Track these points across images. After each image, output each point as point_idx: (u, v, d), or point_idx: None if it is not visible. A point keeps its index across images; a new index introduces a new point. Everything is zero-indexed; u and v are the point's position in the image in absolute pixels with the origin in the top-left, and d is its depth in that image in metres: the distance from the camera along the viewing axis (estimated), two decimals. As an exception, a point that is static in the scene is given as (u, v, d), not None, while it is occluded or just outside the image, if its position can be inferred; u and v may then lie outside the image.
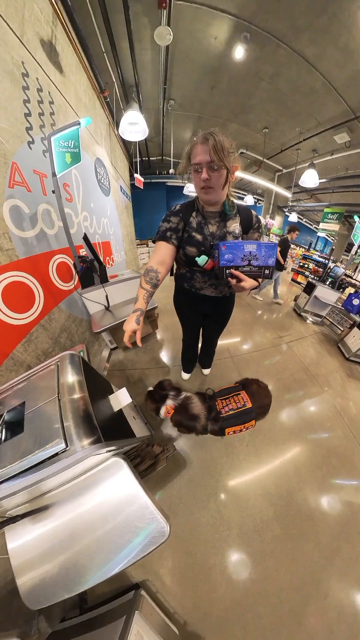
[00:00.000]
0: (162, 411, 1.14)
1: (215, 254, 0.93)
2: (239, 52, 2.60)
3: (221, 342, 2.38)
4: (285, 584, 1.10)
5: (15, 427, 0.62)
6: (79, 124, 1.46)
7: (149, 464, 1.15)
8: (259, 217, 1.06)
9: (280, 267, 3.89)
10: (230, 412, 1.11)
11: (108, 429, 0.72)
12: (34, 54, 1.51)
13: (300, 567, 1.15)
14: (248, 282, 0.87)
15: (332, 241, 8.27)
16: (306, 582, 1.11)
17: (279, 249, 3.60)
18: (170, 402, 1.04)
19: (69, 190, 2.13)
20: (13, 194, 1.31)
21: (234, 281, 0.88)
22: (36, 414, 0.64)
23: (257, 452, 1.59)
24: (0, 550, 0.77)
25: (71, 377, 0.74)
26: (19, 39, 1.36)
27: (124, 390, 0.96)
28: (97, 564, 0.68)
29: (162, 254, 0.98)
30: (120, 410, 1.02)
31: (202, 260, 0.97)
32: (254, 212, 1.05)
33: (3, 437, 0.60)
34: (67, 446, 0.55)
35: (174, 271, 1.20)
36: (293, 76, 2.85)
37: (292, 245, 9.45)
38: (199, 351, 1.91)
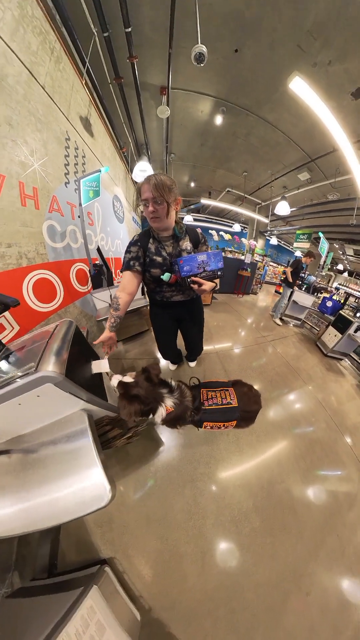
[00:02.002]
0: (161, 412, 0.80)
1: (175, 268, 0.92)
2: (219, 120, 2.90)
3: (212, 346, 2.32)
4: (263, 580, 0.90)
5: (17, 359, 0.68)
6: (100, 171, 1.74)
7: (118, 433, 0.97)
8: (202, 233, 1.06)
9: (289, 284, 3.45)
10: (213, 407, 0.89)
11: (81, 380, 0.69)
12: (75, 125, 1.87)
13: (281, 562, 0.95)
14: (207, 285, 0.88)
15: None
16: (286, 577, 0.92)
17: (290, 269, 3.38)
18: (169, 402, 0.80)
19: (91, 216, 2.40)
20: (51, 217, 1.57)
21: (195, 286, 0.88)
22: (27, 352, 0.68)
23: (238, 442, 1.35)
24: None
25: (62, 334, 0.75)
26: (65, 117, 1.71)
27: (105, 360, 0.92)
28: (39, 509, 0.62)
29: (124, 282, 0.97)
30: (102, 380, 0.95)
31: (166, 276, 0.96)
32: (198, 230, 1.05)
33: (9, 365, 0.66)
34: (35, 369, 0.56)
35: (146, 289, 1.15)
36: (261, 134, 3.12)
37: (276, 265, 9.52)
38: (184, 351, 1.78)
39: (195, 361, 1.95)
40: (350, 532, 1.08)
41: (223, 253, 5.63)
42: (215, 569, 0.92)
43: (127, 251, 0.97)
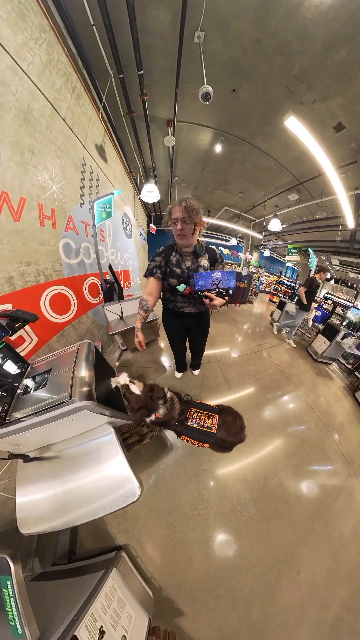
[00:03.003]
0: (152, 416, 0.89)
1: (191, 282, 0.93)
2: (218, 148, 3.00)
3: (209, 350, 2.22)
4: (259, 561, 0.95)
5: (41, 383, 0.67)
6: (112, 194, 1.77)
7: (137, 438, 1.04)
8: (222, 253, 1.08)
9: (304, 307, 2.87)
10: (194, 426, 0.90)
11: (104, 399, 0.70)
12: (90, 152, 1.92)
13: (274, 546, 1.00)
14: (217, 301, 0.89)
15: (297, 269, 8.52)
16: (279, 559, 0.96)
17: (304, 289, 2.77)
18: (161, 411, 0.87)
19: (103, 234, 2.42)
20: (67, 235, 1.57)
21: (207, 301, 0.89)
22: (56, 377, 0.68)
23: None
24: (10, 492, 0.77)
25: (84, 356, 0.75)
26: (83, 145, 1.76)
27: (124, 374, 0.93)
28: (78, 507, 0.65)
29: (150, 287, 1.02)
30: (119, 393, 0.96)
31: (182, 287, 0.98)
32: (217, 250, 1.06)
33: (32, 389, 0.66)
34: (70, 397, 0.58)
35: (162, 296, 1.16)
36: (255, 160, 3.22)
37: (270, 275, 9.49)
38: (189, 356, 1.78)
39: (199, 370, 1.94)
40: (336, 519, 1.13)
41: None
42: (217, 552, 0.97)
43: (152, 260, 1.02)
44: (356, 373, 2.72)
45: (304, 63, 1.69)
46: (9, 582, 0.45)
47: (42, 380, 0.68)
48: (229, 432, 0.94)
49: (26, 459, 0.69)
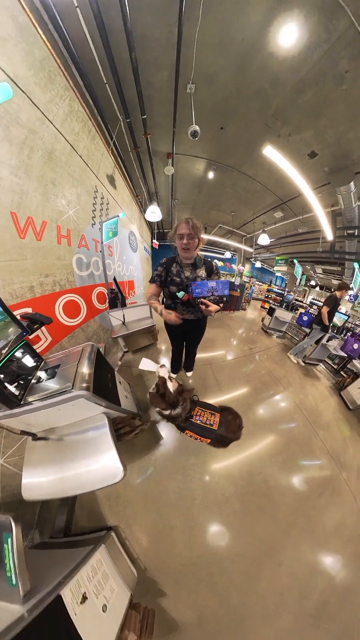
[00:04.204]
0: (169, 412, 0.89)
1: (189, 290, 0.95)
2: (211, 175, 3.18)
3: (203, 354, 2.20)
4: (240, 551, 0.90)
5: (51, 375, 0.72)
6: (118, 216, 1.88)
7: (128, 430, 1.05)
8: (218, 265, 1.11)
9: (325, 327, 2.39)
10: (198, 422, 0.91)
11: (102, 392, 0.75)
12: (102, 181, 2.04)
13: (257, 538, 0.94)
14: (212, 307, 0.91)
15: (285, 278, 8.56)
16: (261, 551, 0.91)
17: (327, 308, 2.31)
18: (178, 410, 0.86)
19: (111, 249, 2.50)
20: (79, 251, 1.65)
21: (203, 307, 0.91)
22: (64, 371, 0.73)
23: None
24: (18, 468, 0.79)
25: (87, 355, 0.79)
26: (95, 176, 1.88)
27: (165, 368, 0.91)
28: (72, 481, 0.68)
29: (152, 290, 1.08)
30: (116, 388, 1.00)
31: (181, 294, 1.00)
32: (214, 263, 1.09)
33: (44, 380, 0.71)
34: (72, 387, 0.64)
35: (164, 303, 1.18)
36: (243, 184, 3.36)
37: (261, 283, 9.47)
38: (183, 358, 1.76)
39: (192, 372, 1.90)
40: (319, 514, 1.07)
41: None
42: (199, 539, 0.93)
43: (155, 269, 1.07)
44: (342, 372, 2.64)
45: (278, 104, 1.82)
46: (9, 539, 0.47)
47: (52, 373, 0.73)
48: (228, 429, 0.96)
49: (34, 437, 0.74)
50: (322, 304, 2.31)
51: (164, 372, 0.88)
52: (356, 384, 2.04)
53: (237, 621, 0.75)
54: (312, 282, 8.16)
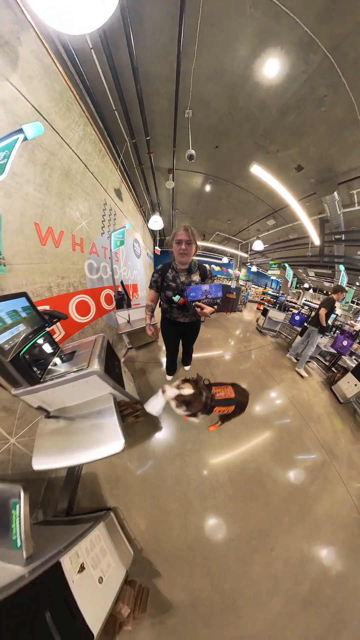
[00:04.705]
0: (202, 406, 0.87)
1: (184, 294, 0.95)
2: (208, 188, 3.28)
3: (200, 353, 2.22)
4: (234, 536, 0.88)
5: (69, 358, 0.79)
6: (125, 227, 1.97)
7: (130, 411, 1.04)
8: (211, 270, 1.13)
9: (323, 329, 2.25)
10: (221, 398, 0.95)
11: (110, 374, 0.80)
12: (110, 195, 2.12)
13: (250, 524, 0.92)
14: (207, 309, 0.90)
15: (280, 281, 8.58)
16: (254, 536, 0.88)
17: (325, 310, 2.18)
18: (204, 398, 0.87)
19: (118, 255, 2.54)
20: (90, 257, 1.72)
21: (198, 309, 0.91)
22: (78, 356, 0.80)
23: (220, 429, 1.30)
24: (28, 449, 0.78)
25: (100, 344, 0.86)
26: (104, 190, 1.96)
27: (170, 390, 0.84)
28: (79, 451, 0.69)
29: (151, 296, 1.12)
30: (122, 375, 1.02)
31: (176, 298, 1.01)
32: (207, 267, 1.09)
33: (62, 362, 0.77)
34: (87, 367, 0.72)
35: (160, 306, 1.20)
36: (237, 195, 3.43)
37: (257, 287, 9.30)
38: (180, 355, 1.75)
39: (189, 365, 1.90)
40: (311, 502, 1.05)
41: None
42: (194, 524, 0.91)
43: (153, 275, 1.10)
44: (333, 369, 2.64)
45: (265, 125, 1.93)
46: (17, 505, 0.49)
47: (68, 359, 0.80)
48: (242, 396, 1.04)
49: (47, 414, 0.77)
50: (319, 306, 2.25)
51: (173, 392, 0.82)
52: (346, 379, 2.04)
53: (230, 605, 0.73)
54: (306, 285, 8.19)
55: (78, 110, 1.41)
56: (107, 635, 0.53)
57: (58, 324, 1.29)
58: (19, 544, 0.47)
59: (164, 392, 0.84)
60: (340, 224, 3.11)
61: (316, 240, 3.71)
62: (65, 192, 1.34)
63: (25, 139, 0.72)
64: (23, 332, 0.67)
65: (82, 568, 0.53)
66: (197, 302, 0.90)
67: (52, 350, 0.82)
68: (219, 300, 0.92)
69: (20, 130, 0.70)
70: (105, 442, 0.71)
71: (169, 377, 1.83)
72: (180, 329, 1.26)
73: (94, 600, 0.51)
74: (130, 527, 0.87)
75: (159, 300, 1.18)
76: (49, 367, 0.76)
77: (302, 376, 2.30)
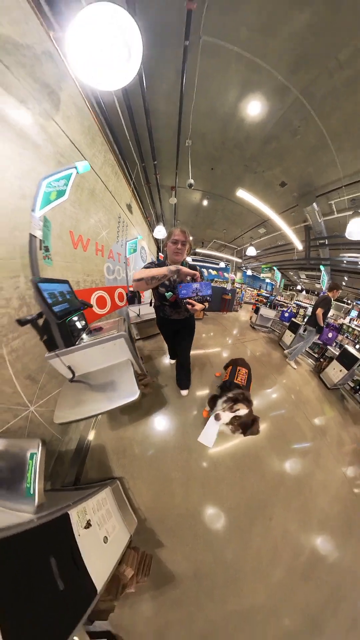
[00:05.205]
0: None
1: (176, 291, 0.92)
2: (205, 202, 3.54)
3: (199, 350, 2.20)
4: (233, 505, 0.85)
5: (97, 332, 0.90)
6: (137, 238, 2.17)
7: (141, 377, 1.02)
8: (202, 270, 1.06)
9: (319, 329, 2.14)
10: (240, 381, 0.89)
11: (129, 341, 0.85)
12: (123, 209, 2.31)
13: (248, 493, 0.90)
14: (198, 306, 0.87)
15: (273, 283, 8.69)
16: (252, 506, 0.86)
17: (322, 310, 2.07)
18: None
19: (129, 261, 2.66)
20: (108, 261, 1.90)
21: (190, 306, 0.88)
22: (106, 329, 0.91)
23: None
24: (45, 420, 0.77)
25: (123, 322, 1.00)
26: (119, 205, 2.15)
27: (222, 415, 0.79)
28: (98, 403, 0.69)
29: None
30: (136, 350, 1.04)
31: (169, 295, 0.98)
32: (198, 268, 1.05)
33: (91, 333, 0.88)
34: (117, 332, 0.85)
35: (154, 304, 1.14)
36: (231, 208, 3.61)
37: (252, 289, 9.20)
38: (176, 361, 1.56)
39: (188, 389, 1.51)
40: (305, 475, 1.03)
41: (212, 283, 5.85)
42: (195, 492, 0.88)
43: (146, 265, 1.03)
44: (320, 359, 2.67)
45: (252, 151, 2.14)
46: (35, 456, 0.48)
47: (95, 333, 0.93)
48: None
49: (72, 377, 0.78)
50: (314, 306, 2.15)
51: (227, 415, 0.74)
52: (332, 366, 2.11)
53: (232, 577, 0.69)
54: (299, 287, 8.28)
55: (101, 140, 1.63)
56: (110, 595, 0.49)
57: (83, 312, 1.49)
58: (32, 490, 0.46)
59: (218, 418, 0.75)
60: (322, 231, 3.27)
61: (299, 245, 3.89)
62: (92, 208, 1.55)
63: (77, 172, 0.92)
64: (67, 309, 0.80)
65: (88, 524, 0.50)
66: (188, 299, 0.87)
67: (82, 327, 0.96)
68: (208, 298, 0.89)
69: (75, 167, 0.91)
70: (123, 392, 0.72)
71: (172, 361, 1.82)
72: (174, 326, 1.22)
73: (98, 557, 0.48)
74: (135, 496, 0.84)
75: (151, 298, 1.13)
76: (80, 337, 0.87)
77: (293, 368, 2.32)
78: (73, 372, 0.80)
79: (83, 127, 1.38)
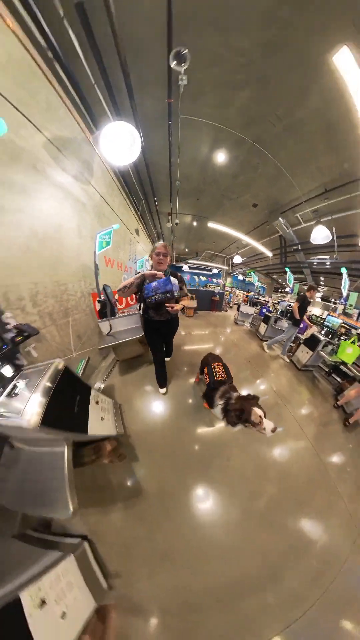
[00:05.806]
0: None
1: (144, 292, 0.94)
2: (195, 223, 3.95)
3: (190, 338, 2.45)
4: (199, 438, 0.90)
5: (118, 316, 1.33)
6: (143, 259, 2.61)
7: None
8: (182, 276, 1.07)
9: (296, 322, 2.23)
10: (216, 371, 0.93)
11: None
12: (132, 234, 2.78)
13: (210, 435, 0.94)
14: (177, 306, 0.89)
15: (265, 287, 8.72)
16: (214, 444, 0.92)
17: (297, 304, 2.18)
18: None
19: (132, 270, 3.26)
20: (124, 274, 2.33)
21: (169, 308, 0.91)
22: (129, 313, 1.26)
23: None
24: None
25: (135, 312, 1.23)
26: (130, 232, 2.61)
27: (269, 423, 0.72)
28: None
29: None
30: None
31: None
32: (179, 274, 1.06)
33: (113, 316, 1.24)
34: (139, 310, 1.23)
35: (141, 310, 1.14)
36: (214, 231, 4.05)
37: (241, 292, 9.43)
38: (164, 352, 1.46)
39: (170, 357, 1.78)
40: (268, 440, 1.02)
41: (204, 288, 6.10)
42: (178, 426, 1.01)
43: (136, 277, 1.03)
44: (291, 344, 2.59)
45: (226, 185, 2.59)
46: None
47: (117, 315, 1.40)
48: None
49: (109, 331, 1.23)
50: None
51: (269, 424, 0.71)
52: (301, 349, 2.26)
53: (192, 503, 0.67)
54: (287, 289, 8.35)
55: (116, 189, 2.10)
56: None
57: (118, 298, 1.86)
58: None
59: (274, 430, 0.71)
60: (294, 239, 3.62)
61: (268, 253, 4.31)
62: (118, 242, 1.99)
63: (114, 229, 1.47)
64: (109, 298, 1.33)
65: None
66: (166, 304, 0.88)
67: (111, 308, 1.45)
68: (168, 294, 0.86)
69: (112, 227, 1.46)
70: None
71: (162, 390, 1.43)
72: (161, 330, 1.23)
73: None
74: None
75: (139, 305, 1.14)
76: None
77: (265, 351, 2.54)
78: (111, 327, 1.37)
79: (106, 184, 1.85)
